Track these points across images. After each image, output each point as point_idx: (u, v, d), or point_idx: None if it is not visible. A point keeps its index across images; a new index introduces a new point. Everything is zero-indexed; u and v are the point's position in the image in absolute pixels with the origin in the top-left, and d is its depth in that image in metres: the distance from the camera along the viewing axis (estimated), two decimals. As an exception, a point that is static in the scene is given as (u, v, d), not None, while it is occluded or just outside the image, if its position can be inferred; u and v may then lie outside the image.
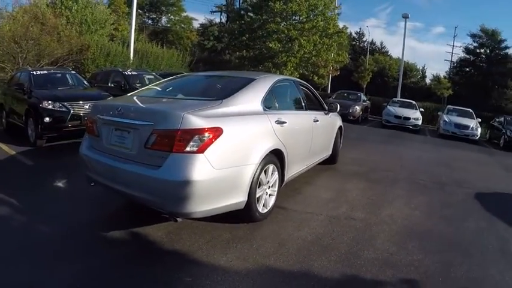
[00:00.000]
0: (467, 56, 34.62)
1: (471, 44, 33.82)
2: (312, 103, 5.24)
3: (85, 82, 7.91)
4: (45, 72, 7.54)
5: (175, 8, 39.77)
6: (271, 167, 3.54)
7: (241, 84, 3.61)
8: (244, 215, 3.30)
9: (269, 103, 3.74)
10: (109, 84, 9.12)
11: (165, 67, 17.56)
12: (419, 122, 16.84)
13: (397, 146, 10.74)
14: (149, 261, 2.77)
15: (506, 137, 14.21)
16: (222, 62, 29.15)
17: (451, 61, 40.84)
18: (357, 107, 16.92)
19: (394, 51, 67.23)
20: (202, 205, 2.79)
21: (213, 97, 3.32)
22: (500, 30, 32.30)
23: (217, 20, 39.26)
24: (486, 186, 6.54)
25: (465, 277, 3.01)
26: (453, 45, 41.13)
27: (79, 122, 6.37)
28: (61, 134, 6.55)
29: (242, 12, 23.77)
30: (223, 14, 38.47)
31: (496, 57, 32.28)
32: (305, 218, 3.89)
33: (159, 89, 4.09)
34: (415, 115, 16.82)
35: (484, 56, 32.96)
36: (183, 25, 40.10)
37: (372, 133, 13.88)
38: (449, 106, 18.09)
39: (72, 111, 6.28)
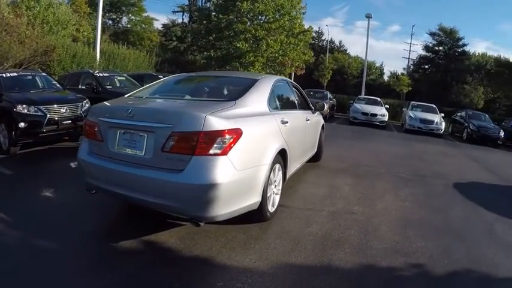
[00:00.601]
0: (427, 54, 36.77)
1: (430, 42, 36.01)
2: (302, 102, 5.43)
3: (57, 84, 7.56)
4: (15, 74, 7.07)
5: (135, 8, 39.00)
6: (277, 166, 3.67)
7: (247, 85, 3.68)
8: (257, 215, 3.36)
9: (272, 103, 3.86)
10: (79, 87, 8.81)
11: (131, 68, 17.19)
12: (386, 118, 17.69)
13: (369, 142, 11.27)
14: (172, 269, 2.71)
15: (469, 130, 15.46)
16: (187, 63, 28.99)
17: (409, 58, 43.35)
18: (325, 105, 17.44)
19: (353, 50, 70.07)
20: (225, 208, 2.80)
21: (224, 98, 3.38)
22: (458, 29, 34.90)
23: (180, 20, 38.99)
24: (461, 177, 7.09)
25: (466, 259, 3.33)
26: (410, 43, 43.67)
27: (55, 127, 6.11)
28: (37, 140, 6.25)
29: (208, 12, 23.77)
30: (185, 14, 38.31)
31: (454, 54, 34.68)
32: (308, 214, 4.05)
33: (160, 90, 3.99)
34: (381, 111, 17.64)
35: (442, 54, 35.15)
36: (143, 25, 39.39)
37: (342, 130, 14.40)
38: (413, 102, 19.16)
39: (48, 116, 5.98)
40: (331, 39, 47.44)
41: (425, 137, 14.61)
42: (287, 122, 3.93)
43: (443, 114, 17.37)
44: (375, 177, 6.31)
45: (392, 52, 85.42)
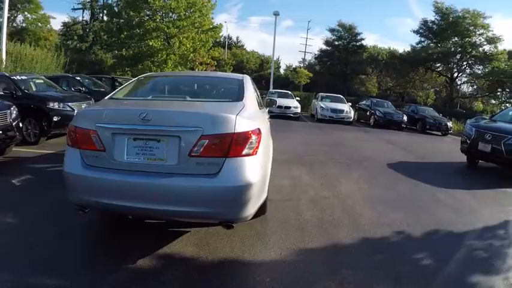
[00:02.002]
0: (327, 48, 40.26)
1: (331, 37, 39.76)
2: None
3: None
4: None
5: (32, 6, 35.06)
6: None
7: (238, 85, 3.81)
8: (261, 210, 3.42)
9: (258, 102, 4.11)
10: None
11: (40, 70, 15.49)
12: (299, 110, 19.14)
13: (294, 133, 12.14)
14: (213, 278, 2.68)
15: (376, 116, 18.02)
16: (94, 63, 27.36)
17: (305, 52, 47.26)
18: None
19: (249, 45, 73.32)
20: (255, 206, 2.88)
21: (229, 98, 3.45)
22: (356, 25, 39.31)
23: (80, 18, 36.49)
24: (388, 158, 8.35)
25: (432, 221, 4.17)
26: (307, 38, 47.61)
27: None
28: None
29: (118, 9, 22.56)
30: (86, 11, 36.07)
31: (352, 48, 38.88)
32: (292, 204, 4.44)
33: (149, 92, 3.86)
34: (294, 104, 19.03)
35: (342, 47, 39.08)
36: (40, 24, 35.94)
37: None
38: (321, 94, 21.11)
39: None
40: (228, 35, 48.92)
41: (337, 125, 16.37)
42: (268, 119, 4.26)
43: (350, 104, 19.54)
44: (321, 165, 7.03)
45: (287, 46, 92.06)
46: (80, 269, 2.75)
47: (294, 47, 68.76)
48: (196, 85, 4.40)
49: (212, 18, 22.99)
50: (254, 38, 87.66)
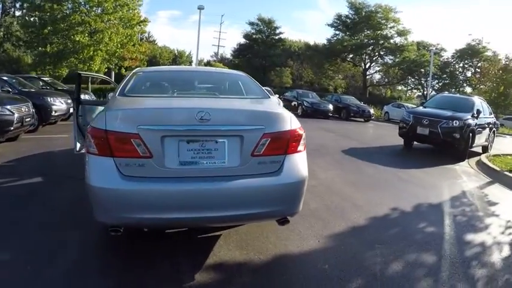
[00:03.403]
0: (247, 41, 41.32)
1: (250, 31, 40.95)
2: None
3: None
4: None
5: None
6: None
7: (250, 81, 3.93)
8: None
9: None
10: None
11: None
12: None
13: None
14: (280, 276, 2.77)
15: (304, 107, 19.16)
16: (11, 61, 24.53)
17: (219, 46, 48.08)
18: None
19: (161, 40, 72.15)
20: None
21: (258, 95, 3.49)
22: (274, 19, 40.90)
23: None
24: (338, 145, 9.28)
25: (412, 196, 4.96)
26: (220, 31, 48.29)
27: None
28: None
29: (40, 2, 20.37)
30: None
31: (271, 41, 40.33)
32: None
33: (167, 88, 3.77)
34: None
35: (261, 41, 40.39)
36: None
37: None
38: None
39: None
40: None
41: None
42: None
43: (278, 95, 20.49)
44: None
45: (201, 40, 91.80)
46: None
47: (207, 41, 69.44)
48: (210, 81, 4.31)
49: (139, 12, 22.37)
50: (164, 33, 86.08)
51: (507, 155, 8.80)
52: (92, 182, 2.47)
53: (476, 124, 8.52)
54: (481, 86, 31.34)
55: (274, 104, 3.28)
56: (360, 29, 33.89)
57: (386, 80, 42.09)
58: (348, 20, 34.32)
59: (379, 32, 33.18)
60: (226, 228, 3.38)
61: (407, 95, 45.14)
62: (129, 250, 2.99)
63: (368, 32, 34.01)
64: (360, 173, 6.37)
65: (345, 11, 35.69)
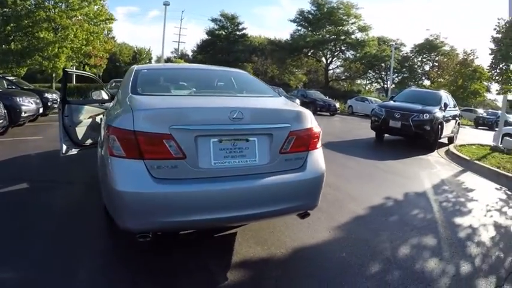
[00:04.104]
0: (210, 37, 41.07)
1: (213, 28, 40.76)
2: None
3: None
4: None
5: None
6: None
7: (254, 79, 4.09)
8: None
9: None
10: None
11: None
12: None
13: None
14: (304, 269, 2.89)
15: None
16: None
17: (179, 42, 47.53)
18: None
19: (120, 37, 69.88)
20: None
21: (268, 94, 3.55)
22: (238, 15, 40.98)
23: None
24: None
25: (398, 185, 5.32)
26: (180, 27, 47.79)
27: None
28: None
29: None
30: None
31: (234, 37, 40.44)
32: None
33: (180, 86, 3.76)
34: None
35: (223, 37, 40.24)
36: None
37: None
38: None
39: None
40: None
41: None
42: None
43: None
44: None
45: (160, 36, 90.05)
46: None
47: (167, 37, 68.04)
48: (218, 79, 4.25)
49: (106, 8, 21.76)
50: (123, 30, 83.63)
51: (471, 144, 9.57)
52: (120, 187, 2.34)
53: (444, 116, 9.20)
54: (440, 79, 33.13)
55: (292, 102, 3.48)
56: (322, 25, 34.89)
57: (347, 74, 43.53)
58: (310, 16, 35.19)
59: (340, 27, 34.34)
60: (238, 226, 3.45)
61: (367, 88, 46.91)
62: (148, 254, 2.97)
63: (330, 27, 35.09)
64: (344, 166, 6.70)
65: (307, 6, 36.39)
